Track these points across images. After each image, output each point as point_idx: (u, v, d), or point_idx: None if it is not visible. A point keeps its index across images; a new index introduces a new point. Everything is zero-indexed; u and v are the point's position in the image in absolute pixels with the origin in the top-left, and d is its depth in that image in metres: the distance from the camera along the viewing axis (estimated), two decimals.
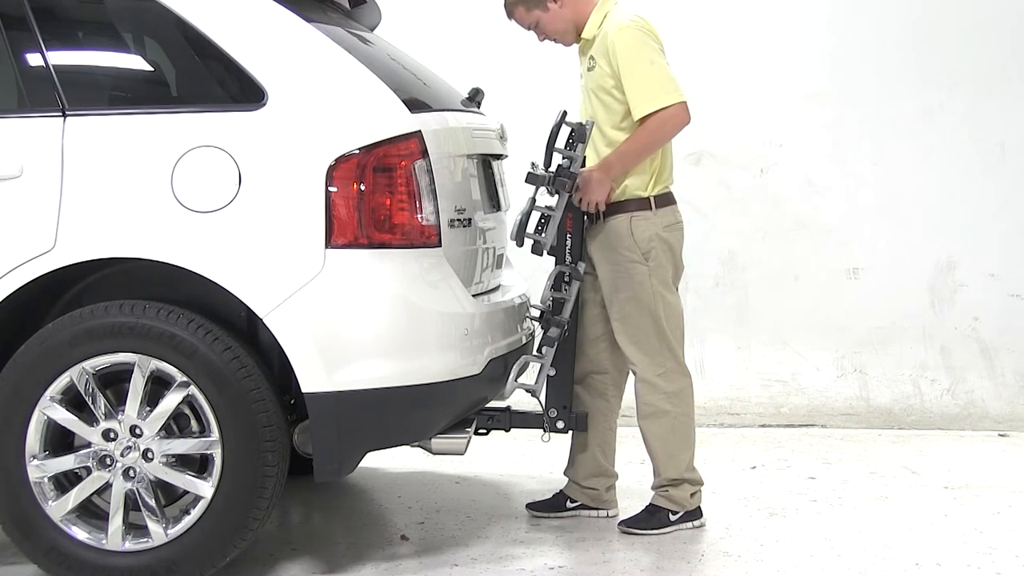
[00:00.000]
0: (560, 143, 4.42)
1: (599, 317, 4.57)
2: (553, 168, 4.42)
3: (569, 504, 4.72)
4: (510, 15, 4.55)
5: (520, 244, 4.44)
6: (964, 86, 6.87)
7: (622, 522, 4.56)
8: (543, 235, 4.42)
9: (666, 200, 4.51)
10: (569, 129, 4.42)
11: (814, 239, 6.92)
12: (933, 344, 6.83)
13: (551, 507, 4.73)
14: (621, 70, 4.35)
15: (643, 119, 4.35)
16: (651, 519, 4.53)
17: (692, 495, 4.58)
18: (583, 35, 4.50)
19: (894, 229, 6.90)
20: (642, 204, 4.46)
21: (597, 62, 4.43)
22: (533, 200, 4.44)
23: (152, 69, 4.21)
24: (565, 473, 4.76)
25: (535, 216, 4.44)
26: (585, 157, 4.46)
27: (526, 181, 4.39)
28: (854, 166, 6.92)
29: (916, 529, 4.63)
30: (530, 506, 4.77)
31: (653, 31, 4.42)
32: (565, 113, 4.44)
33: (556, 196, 4.43)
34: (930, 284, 6.88)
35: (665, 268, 4.47)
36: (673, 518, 4.53)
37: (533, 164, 4.41)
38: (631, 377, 4.62)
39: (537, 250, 4.45)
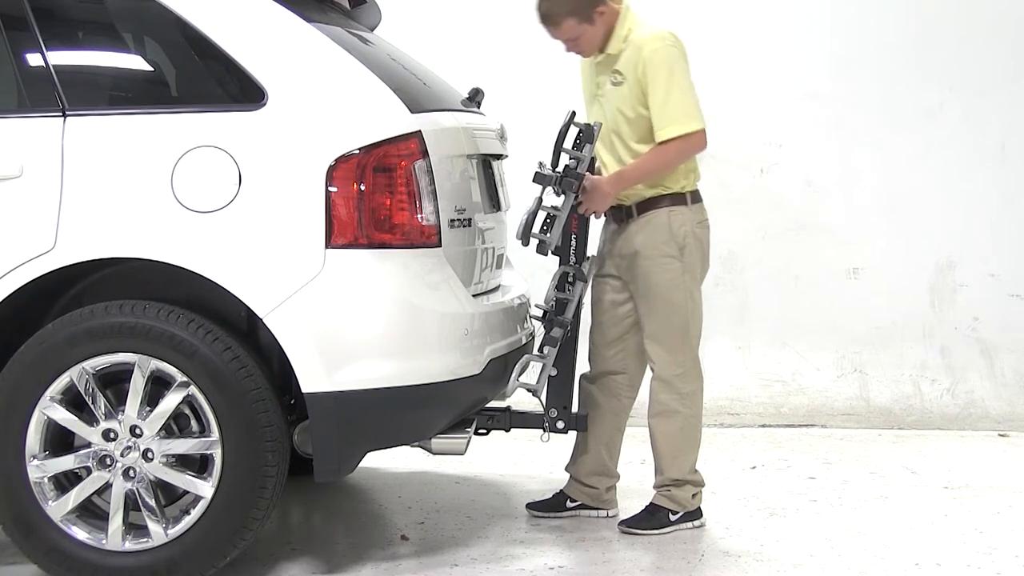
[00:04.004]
0: (568, 144, 4.43)
1: (621, 317, 4.57)
2: (560, 168, 4.43)
3: (569, 504, 4.72)
4: (554, 25, 4.39)
5: (525, 243, 4.45)
6: (964, 86, 6.87)
7: (622, 522, 4.56)
8: (548, 235, 4.43)
9: (697, 196, 4.54)
10: (577, 130, 4.43)
11: (814, 239, 6.92)
12: (933, 344, 6.83)
13: (551, 507, 4.73)
14: (650, 89, 4.33)
15: (664, 140, 4.35)
16: (651, 519, 4.53)
17: (693, 496, 4.58)
18: (608, 50, 4.44)
19: (894, 229, 6.91)
20: (678, 199, 4.48)
21: (625, 78, 4.38)
22: (540, 200, 4.44)
23: (152, 69, 4.21)
24: (567, 469, 4.76)
25: (541, 216, 4.45)
26: (594, 159, 4.47)
27: (533, 181, 4.39)
28: (854, 166, 6.93)
29: (916, 529, 4.63)
30: (530, 506, 4.77)
31: (684, 49, 4.40)
32: (574, 113, 4.45)
33: (562, 196, 4.44)
34: (930, 284, 6.88)
35: (695, 266, 4.50)
36: (673, 518, 4.53)
37: (541, 164, 4.42)
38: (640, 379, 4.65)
39: (542, 250, 4.45)
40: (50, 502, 3.86)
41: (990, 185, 6.88)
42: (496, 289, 4.58)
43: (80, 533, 3.87)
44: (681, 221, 4.46)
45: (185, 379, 3.80)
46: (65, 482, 3.90)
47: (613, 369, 4.62)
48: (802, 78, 6.92)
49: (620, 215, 4.53)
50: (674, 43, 4.37)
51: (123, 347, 3.81)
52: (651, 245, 4.46)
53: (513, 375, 4.34)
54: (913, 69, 6.89)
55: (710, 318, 6.64)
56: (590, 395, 4.64)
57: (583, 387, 4.65)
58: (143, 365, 3.81)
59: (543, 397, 4.50)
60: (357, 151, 3.82)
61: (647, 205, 4.47)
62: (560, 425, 4.52)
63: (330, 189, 3.79)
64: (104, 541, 3.86)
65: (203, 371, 3.79)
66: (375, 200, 3.83)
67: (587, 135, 4.42)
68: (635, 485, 4.93)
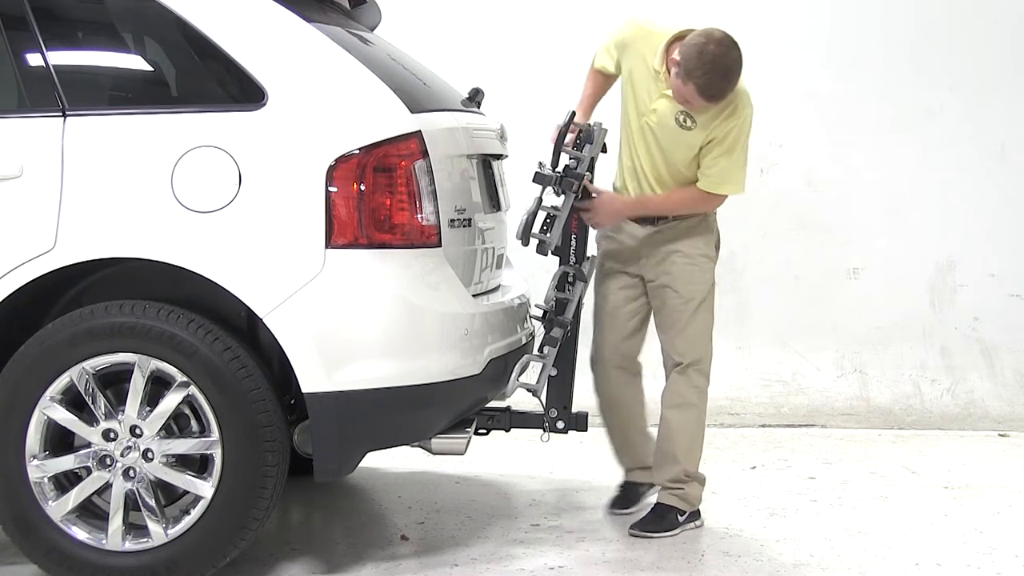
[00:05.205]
0: (568, 143, 4.43)
1: (635, 312, 4.63)
2: (560, 168, 4.43)
3: (641, 490, 4.76)
4: (720, 98, 4.29)
5: (525, 243, 4.45)
6: (964, 86, 6.88)
7: (633, 525, 4.54)
8: (548, 235, 4.43)
9: None
10: (577, 130, 4.43)
11: (814, 239, 6.92)
12: (933, 344, 6.83)
13: (629, 501, 4.76)
14: (724, 145, 4.37)
15: (709, 191, 4.44)
16: (662, 521, 4.53)
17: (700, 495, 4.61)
18: None
19: (894, 229, 6.91)
20: None
21: (697, 124, 4.37)
22: (539, 200, 4.45)
23: (152, 69, 4.21)
24: (625, 464, 4.78)
25: (541, 216, 4.45)
26: (594, 159, 4.47)
27: (533, 181, 4.40)
28: (854, 166, 6.93)
29: (916, 529, 4.63)
30: (611, 506, 4.77)
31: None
32: (573, 114, 4.47)
33: (562, 196, 4.44)
34: (930, 284, 6.89)
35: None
36: (681, 519, 4.54)
37: (541, 164, 4.43)
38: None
39: (542, 250, 4.46)
40: (50, 502, 3.86)
41: (990, 185, 6.88)
42: (496, 289, 4.58)
43: (80, 533, 3.87)
44: (714, 225, 4.60)
45: (185, 379, 3.80)
46: (65, 482, 3.90)
47: (628, 362, 4.68)
48: (802, 78, 6.92)
49: (650, 217, 4.55)
50: (752, 104, 4.42)
51: (123, 347, 3.81)
52: (693, 245, 4.53)
53: (513, 375, 4.34)
54: (913, 69, 6.89)
55: None
56: (615, 379, 4.67)
57: (606, 374, 4.67)
58: (143, 365, 3.81)
59: (543, 397, 4.50)
60: (357, 151, 3.82)
61: None
62: (560, 425, 4.52)
63: (330, 189, 3.79)
64: (104, 541, 3.86)
65: (203, 371, 3.78)
66: (375, 200, 3.83)
67: (587, 135, 4.43)
68: None
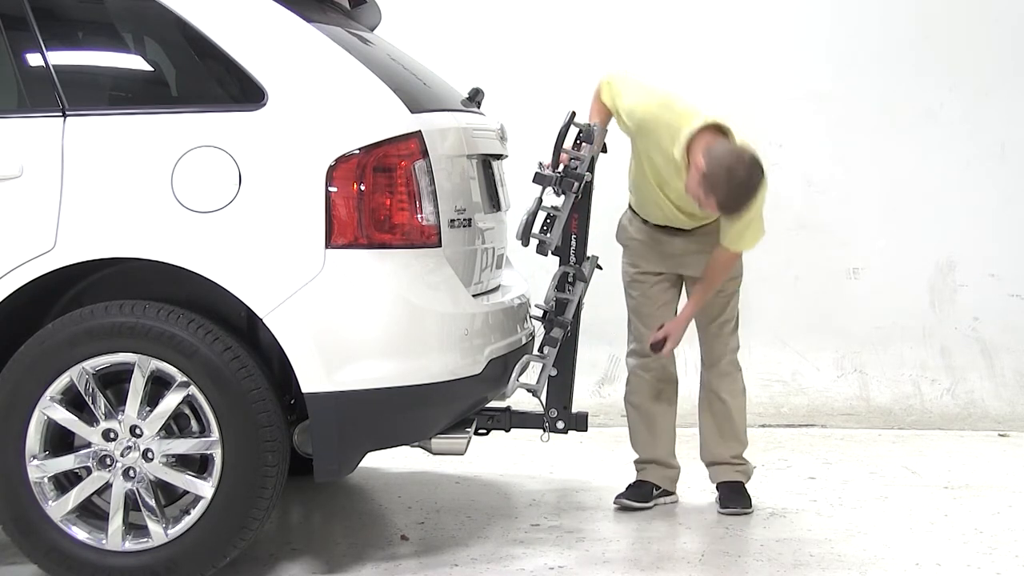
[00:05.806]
0: (568, 144, 4.44)
1: (671, 300, 4.85)
2: (560, 169, 4.43)
3: (655, 492, 4.85)
4: (738, 212, 4.36)
5: (525, 244, 4.46)
6: (964, 86, 6.87)
7: (724, 507, 4.75)
8: (548, 235, 4.44)
9: None
10: (577, 130, 4.44)
11: (814, 239, 6.92)
12: (933, 344, 6.83)
13: (640, 496, 4.82)
14: (743, 219, 4.43)
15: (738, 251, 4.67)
16: (742, 497, 4.80)
17: None
18: None
19: (894, 229, 6.90)
20: None
21: None
22: (540, 200, 4.45)
23: (152, 69, 4.21)
24: (645, 454, 4.87)
25: (541, 216, 4.45)
26: (594, 159, 4.47)
27: (533, 181, 4.40)
28: (854, 166, 6.92)
29: (916, 529, 4.63)
30: (618, 498, 4.83)
31: None
32: (574, 114, 4.47)
33: (562, 196, 4.45)
34: (930, 284, 6.88)
35: None
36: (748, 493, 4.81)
37: (541, 164, 4.43)
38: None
39: (542, 250, 4.46)
40: (50, 502, 3.86)
41: (990, 185, 6.88)
42: (496, 289, 4.58)
43: (80, 533, 3.87)
44: None
45: (185, 379, 3.80)
46: (65, 482, 3.90)
47: (671, 360, 4.86)
48: (802, 78, 6.91)
49: (674, 228, 4.70)
50: None
51: (123, 347, 3.81)
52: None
53: (513, 375, 4.34)
54: (913, 69, 6.88)
55: None
56: (656, 373, 4.83)
57: (648, 366, 4.81)
58: (143, 365, 3.81)
59: (543, 397, 4.51)
60: (357, 151, 3.82)
61: None
62: (560, 425, 4.52)
63: (330, 189, 3.79)
64: (104, 541, 3.86)
65: (203, 371, 3.79)
66: (375, 200, 3.83)
67: (587, 135, 4.44)
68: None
